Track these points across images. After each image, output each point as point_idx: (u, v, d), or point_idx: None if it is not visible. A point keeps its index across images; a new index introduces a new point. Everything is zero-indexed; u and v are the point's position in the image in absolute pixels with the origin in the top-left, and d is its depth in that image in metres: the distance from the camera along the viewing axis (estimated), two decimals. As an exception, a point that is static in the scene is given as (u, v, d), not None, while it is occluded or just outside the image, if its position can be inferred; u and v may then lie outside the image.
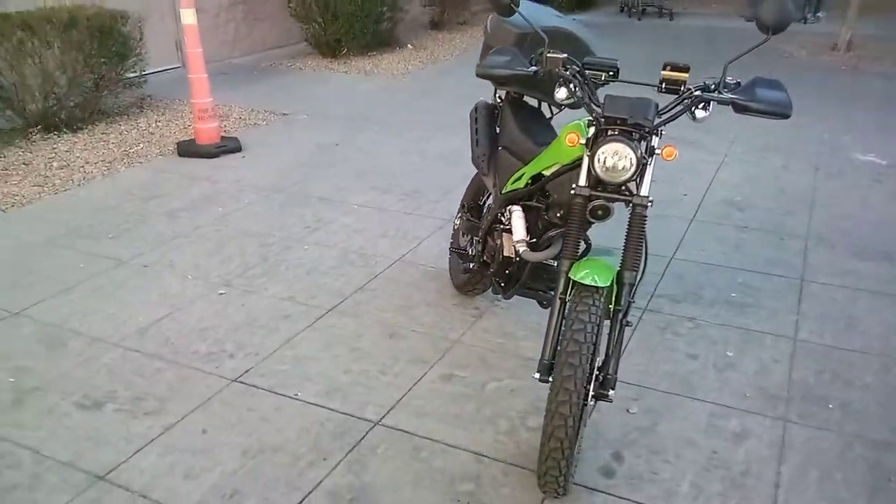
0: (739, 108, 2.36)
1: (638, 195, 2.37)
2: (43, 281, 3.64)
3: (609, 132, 2.33)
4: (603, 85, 2.54)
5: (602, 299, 2.12)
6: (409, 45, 9.94)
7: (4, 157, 5.38)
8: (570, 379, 1.99)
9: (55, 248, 4.01)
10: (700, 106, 2.40)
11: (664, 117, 2.42)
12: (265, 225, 4.34)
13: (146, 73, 6.70)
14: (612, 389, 2.30)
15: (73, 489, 2.32)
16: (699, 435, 2.62)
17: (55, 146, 5.66)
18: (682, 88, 2.44)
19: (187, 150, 5.56)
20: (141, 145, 5.80)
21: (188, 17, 5.36)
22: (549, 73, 2.49)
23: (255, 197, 4.79)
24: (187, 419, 2.66)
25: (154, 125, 6.33)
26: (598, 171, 2.33)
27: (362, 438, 2.57)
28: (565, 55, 2.48)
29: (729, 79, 2.45)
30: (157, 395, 2.80)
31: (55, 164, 5.30)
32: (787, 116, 2.29)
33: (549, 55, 2.49)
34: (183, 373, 2.92)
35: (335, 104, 7.08)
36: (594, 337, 2.04)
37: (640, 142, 2.34)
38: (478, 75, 2.66)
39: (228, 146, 5.64)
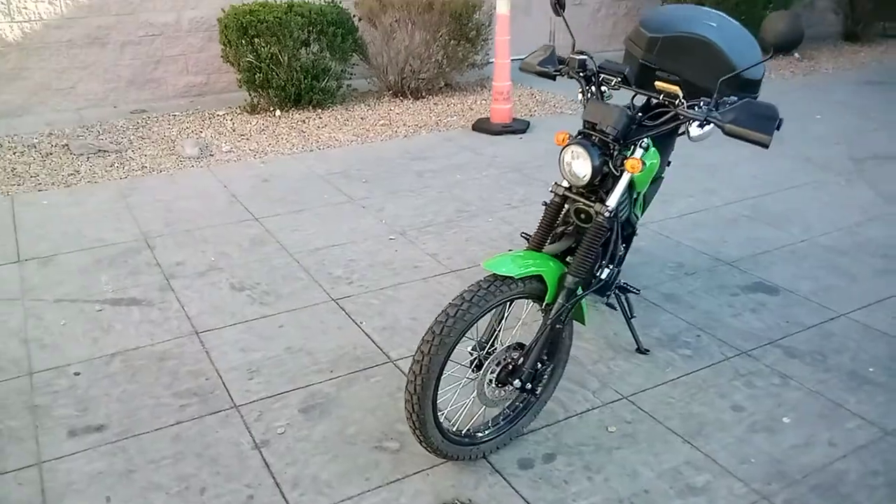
0: (723, 130, 2.20)
1: (600, 203, 2.37)
2: (292, 201, 4.78)
3: (578, 135, 2.39)
4: (615, 89, 2.52)
5: (501, 287, 2.24)
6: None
7: (349, 110, 6.82)
8: (426, 343, 2.20)
9: (321, 181, 5.14)
10: (696, 124, 2.28)
11: (650, 132, 2.35)
12: (475, 196, 4.88)
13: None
14: (522, 381, 2.38)
15: (172, 333, 3.29)
16: (651, 474, 2.48)
17: (390, 108, 6.95)
18: (677, 102, 2.34)
19: (479, 126, 6.32)
20: (452, 117, 6.75)
21: (502, 6, 6.05)
22: (568, 72, 2.57)
23: (494, 172, 5.33)
24: (280, 315, 3.43)
25: (474, 103, 7.24)
26: (562, 171, 2.41)
27: (372, 367, 3.04)
28: (584, 57, 2.53)
29: (729, 98, 2.27)
30: (279, 293, 3.63)
31: (381, 121, 6.55)
32: (763, 145, 2.08)
33: (570, 56, 2.57)
34: (309, 284, 3.71)
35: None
36: (468, 315, 2.19)
37: (606, 149, 2.34)
38: (520, 69, 2.85)
39: (514, 127, 6.23)
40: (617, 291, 3.01)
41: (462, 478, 2.46)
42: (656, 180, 3.05)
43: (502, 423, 2.57)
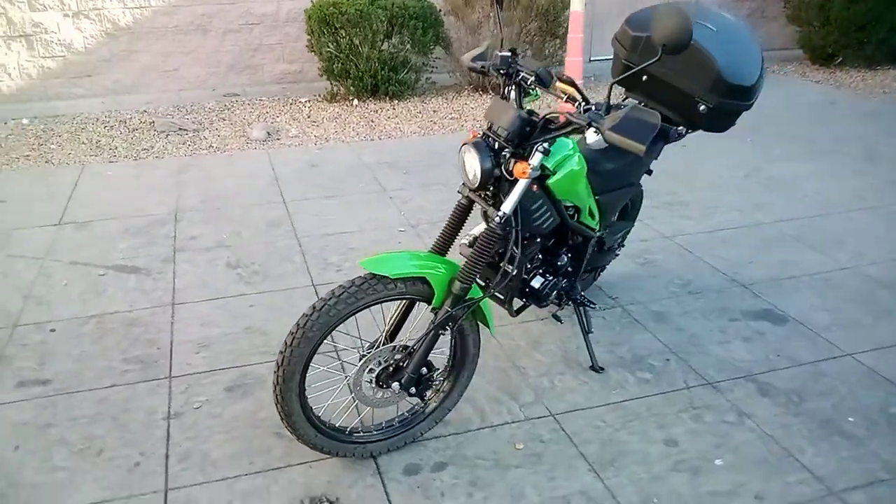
0: (603, 136, 2.02)
1: (494, 209, 2.25)
2: (328, 187, 4.87)
3: (479, 136, 2.27)
4: (532, 90, 2.36)
5: (376, 286, 2.17)
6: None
7: (424, 103, 6.84)
8: (290, 335, 2.17)
9: (365, 170, 5.20)
10: (592, 129, 2.10)
11: (550, 135, 2.19)
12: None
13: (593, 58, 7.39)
14: (402, 384, 2.31)
15: (152, 302, 3.45)
16: (536, 499, 2.33)
17: (466, 102, 6.89)
18: (575, 105, 2.18)
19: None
20: (525, 114, 6.59)
21: (576, 4, 5.84)
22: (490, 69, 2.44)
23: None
24: (257, 295, 3.51)
25: (554, 100, 7.01)
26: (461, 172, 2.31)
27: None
28: (507, 54, 2.40)
29: (626, 101, 2.08)
30: (267, 274, 3.73)
31: (452, 115, 6.52)
32: (637, 154, 1.89)
33: (494, 52, 2.44)
34: (300, 269, 3.77)
35: (774, 116, 6.54)
36: (333, 311, 2.14)
37: (501, 153, 2.22)
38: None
39: (581, 127, 5.99)
40: (573, 304, 2.85)
41: (342, 475, 2.41)
42: (619, 189, 2.81)
43: (397, 425, 2.49)
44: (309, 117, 6.47)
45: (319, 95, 7.04)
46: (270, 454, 2.49)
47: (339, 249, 3.95)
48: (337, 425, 2.40)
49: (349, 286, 2.17)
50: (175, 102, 6.88)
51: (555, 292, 2.69)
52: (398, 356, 2.32)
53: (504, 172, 2.22)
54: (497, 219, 2.24)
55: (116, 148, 5.69)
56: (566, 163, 2.33)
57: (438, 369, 2.42)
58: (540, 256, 2.65)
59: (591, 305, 2.92)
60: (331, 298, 2.15)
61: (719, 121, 2.79)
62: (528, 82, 2.32)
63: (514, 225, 2.27)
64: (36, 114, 6.52)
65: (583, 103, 2.14)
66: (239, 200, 4.65)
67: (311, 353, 2.18)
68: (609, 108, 2.09)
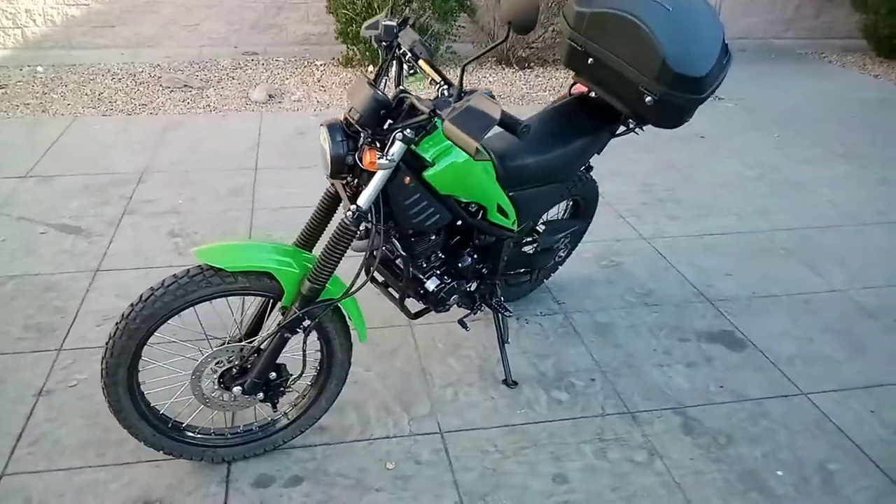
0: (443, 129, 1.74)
1: (350, 202, 1.98)
2: (305, 156, 4.66)
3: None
4: (411, 67, 2.06)
5: (212, 279, 1.95)
6: None
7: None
8: (115, 326, 1.97)
9: (350, 140, 4.95)
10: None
11: (404, 122, 1.91)
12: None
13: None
14: (245, 388, 2.09)
15: (77, 266, 3.33)
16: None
17: (486, 76, 6.54)
18: (438, 89, 1.88)
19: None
20: (546, 92, 6.21)
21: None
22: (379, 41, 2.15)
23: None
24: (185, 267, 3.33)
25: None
26: None
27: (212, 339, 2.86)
28: (392, 24, 2.10)
29: (485, 88, 1.79)
30: (204, 247, 3.54)
31: (470, 87, 6.18)
32: (467, 151, 1.61)
33: (381, 21, 2.15)
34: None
35: (812, 112, 6.00)
36: (159, 303, 1.93)
37: (358, 138, 1.95)
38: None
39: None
40: (488, 309, 2.58)
41: (187, 479, 2.22)
42: (542, 185, 2.49)
43: (256, 430, 2.28)
44: (319, 81, 6.25)
45: (336, 59, 6.80)
46: (122, 447, 2.31)
47: (288, 225, 3.74)
48: (182, 425, 2.20)
49: (181, 276, 1.95)
50: (193, 58, 6.77)
51: (454, 296, 2.40)
52: (246, 356, 2.09)
53: (358, 161, 1.94)
54: (349, 212, 1.97)
55: (115, 101, 5.61)
56: (448, 154, 2.03)
57: (292, 375, 2.18)
58: (440, 255, 2.37)
59: (506, 312, 2.62)
60: (159, 289, 1.94)
61: (667, 115, 2.43)
62: (406, 58, 2.02)
63: (373, 221, 1.99)
64: (54, 62, 6.51)
65: (444, 87, 1.84)
66: (210, 164, 4.49)
67: (138, 347, 1.98)
68: (461, 94, 1.79)
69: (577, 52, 2.53)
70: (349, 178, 2.01)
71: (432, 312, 2.45)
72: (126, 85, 5.99)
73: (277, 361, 2.14)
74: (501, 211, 2.36)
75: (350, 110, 1.93)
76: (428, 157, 2.02)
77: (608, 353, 2.84)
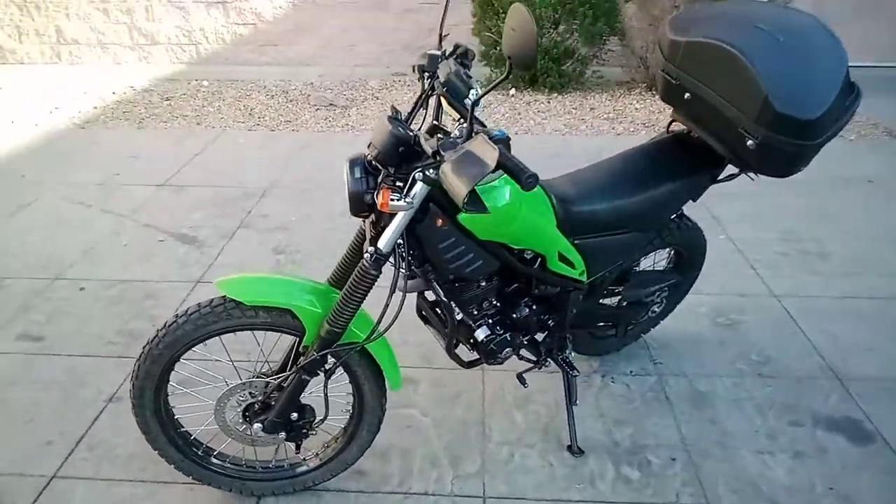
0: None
1: (371, 243, 1.86)
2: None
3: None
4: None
5: (232, 311, 1.89)
6: None
7: (585, 98, 6.25)
8: (141, 350, 1.95)
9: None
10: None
11: (425, 162, 1.76)
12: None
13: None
14: (265, 427, 2.02)
15: (181, 277, 3.45)
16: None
17: (630, 102, 6.17)
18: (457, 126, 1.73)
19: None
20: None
21: None
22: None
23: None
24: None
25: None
26: None
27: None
28: (437, 53, 1.95)
29: (496, 129, 1.61)
30: (307, 266, 3.57)
31: (608, 115, 5.89)
32: (456, 199, 1.45)
33: (427, 51, 2.00)
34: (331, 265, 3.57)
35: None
36: (181, 331, 1.89)
37: (378, 175, 1.82)
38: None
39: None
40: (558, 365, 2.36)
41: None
42: (617, 233, 2.21)
43: (287, 467, 2.19)
44: (459, 104, 6.18)
45: (478, 81, 6.71)
46: (162, 465, 2.27)
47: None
48: (213, 453, 2.15)
49: (204, 306, 1.90)
50: (345, 77, 6.97)
51: (507, 349, 2.18)
52: (269, 393, 2.00)
53: (374, 199, 1.79)
54: (366, 254, 1.82)
55: (263, 117, 5.86)
56: (486, 196, 1.83)
57: (318, 417, 2.06)
58: (495, 303, 2.16)
59: (573, 372, 2.36)
60: (182, 316, 1.90)
61: (773, 161, 2.08)
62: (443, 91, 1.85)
63: (396, 265, 1.83)
64: (219, 77, 6.95)
65: (463, 125, 1.65)
66: (333, 183, 4.52)
67: (163, 371, 1.95)
68: (471, 134, 1.59)
69: (672, 85, 2.24)
70: (373, 217, 1.87)
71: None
72: (277, 101, 6.25)
73: (304, 402, 2.03)
74: (565, 260, 2.11)
75: (369, 145, 1.79)
76: (464, 197, 1.83)
77: (700, 428, 2.48)
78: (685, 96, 2.19)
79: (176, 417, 2.10)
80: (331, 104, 6.21)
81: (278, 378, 1.97)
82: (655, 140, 2.43)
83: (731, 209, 3.99)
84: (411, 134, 1.74)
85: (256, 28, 7.37)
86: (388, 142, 1.73)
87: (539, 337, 2.32)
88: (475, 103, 1.62)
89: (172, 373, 1.98)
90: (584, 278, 2.20)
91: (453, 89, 1.82)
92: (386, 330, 1.89)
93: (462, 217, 1.83)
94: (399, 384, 2.05)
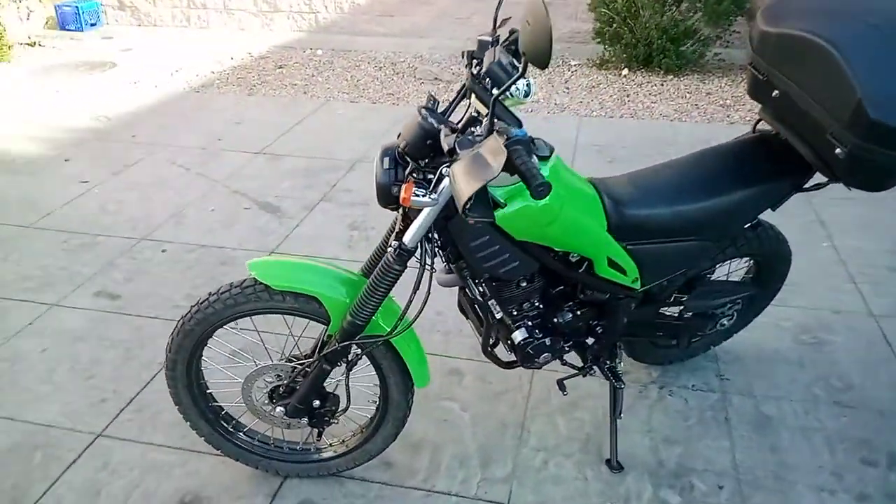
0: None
1: (397, 237, 1.80)
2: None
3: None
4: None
5: (260, 294, 1.89)
6: None
7: (703, 83, 5.86)
8: (176, 324, 1.99)
9: (569, 148, 4.65)
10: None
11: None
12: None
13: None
14: (287, 411, 2.02)
15: (256, 245, 3.53)
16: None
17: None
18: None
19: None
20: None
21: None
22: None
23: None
24: (357, 263, 3.40)
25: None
26: None
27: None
28: (487, 38, 1.84)
29: (515, 129, 1.50)
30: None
31: (723, 101, 5.51)
32: (457, 204, 1.38)
33: (478, 37, 1.89)
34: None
35: None
36: (211, 309, 1.91)
37: (407, 167, 1.76)
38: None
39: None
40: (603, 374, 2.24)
41: (240, 485, 2.22)
42: (678, 241, 2.03)
43: (312, 451, 2.20)
44: (566, 83, 5.98)
45: (591, 60, 6.46)
46: (200, 434, 2.36)
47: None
48: (244, 429, 2.18)
49: (236, 286, 1.90)
50: (455, 51, 6.88)
51: (545, 355, 2.07)
52: (293, 377, 1.99)
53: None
54: (390, 248, 1.75)
55: (367, 89, 5.90)
56: (523, 195, 1.71)
57: (342, 407, 2.03)
58: (537, 305, 2.05)
59: (619, 384, 2.21)
60: (212, 296, 1.91)
61: (863, 174, 1.84)
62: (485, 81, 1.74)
63: (422, 260, 1.76)
64: (334, 46, 7.05)
65: (491, 122, 1.53)
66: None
67: (195, 346, 1.98)
68: (491, 131, 1.48)
69: (759, 81, 2.03)
70: (402, 210, 1.79)
71: None
72: (384, 73, 6.27)
73: (329, 391, 2.01)
74: (615, 265, 1.96)
75: (398, 136, 1.71)
76: (498, 195, 1.72)
77: (757, 456, 2.27)
78: (773, 94, 1.98)
79: (209, 391, 2.13)
80: (436, 78, 6.16)
81: (303, 364, 1.95)
82: (738, 139, 2.21)
83: (842, 213, 3.63)
84: (440, 126, 1.64)
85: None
86: (416, 134, 1.65)
87: (587, 341, 2.18)
88: (496, 99, 1.50)
89: (206, 348, 2.01)
90: (636, 286, 2.04)
91: (496, 80, 1.70)
92: (409, 326, 1.83)
93: (497, 215, 1.72)
94: (424, 381, 1.99)
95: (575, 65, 6.40)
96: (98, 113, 5.32)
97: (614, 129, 5.00)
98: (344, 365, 1.93)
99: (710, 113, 5.27)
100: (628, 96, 5.63)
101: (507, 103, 1.79)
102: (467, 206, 1.34)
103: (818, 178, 2.03)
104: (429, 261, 1.76)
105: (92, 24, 7.74)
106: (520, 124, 1.59)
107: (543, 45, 1.35)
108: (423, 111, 1.65)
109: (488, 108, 1.54)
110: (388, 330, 1.84)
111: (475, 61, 1.81)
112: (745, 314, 2.54)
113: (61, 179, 4.22)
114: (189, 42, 7.31)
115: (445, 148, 1.56)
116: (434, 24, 7.37)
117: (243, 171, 4.34)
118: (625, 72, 6.10)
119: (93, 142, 4.81)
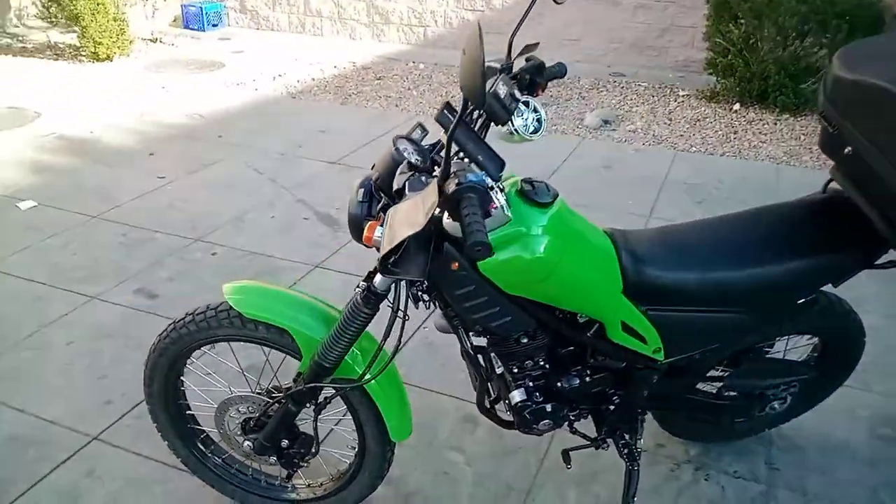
0: None
1: (366, 278, 1.65)
2: (590, 194, 4.17)
3: None
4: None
5: (233, 320, 1.76)
6: None
7: (789, 120, 5.35)
8: (151, 347, 1.90)
9: (658, 184, 4.31)
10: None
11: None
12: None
13: None
14: (253, 446, 1.90)
15: (301, 257, 3.45)
16: None
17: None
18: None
19: None
20: None
21: None
22: None
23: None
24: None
25: None
26: None
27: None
28: (493, 68, 1.67)
29: (471, 175, 1.32)
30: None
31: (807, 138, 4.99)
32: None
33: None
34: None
35: None
36: (185, 330, 1.81)
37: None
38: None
39: None
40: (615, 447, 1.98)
41: (215, 512, 2.09)
42: (712, 310, 1.74)
43: (289, 489, 2.05)
44: (669, 113, 5.63)
45: (701, 91, 6.05)
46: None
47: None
48: (223, 456, 2.06)
49: (210, 309, 1.78)
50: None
51: (545, 422, 1.83)
52: (264, 411, 1.85)
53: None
54: (358, 289, 1.58)
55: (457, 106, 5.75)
56: (515, 243, 1.50)
57: (311, 452, 1.87)
58: (542, 364, 1.81)
59: (633, 465, 1.93)
60: (188, 316, 1.81)
61: None
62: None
63: (394, 305, 1.57)
64: (437, 60, 6.99)
65: (446, 162, 1.33)
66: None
67: (170, 367, 1.88)
68: (447, 174, 1.28)
69: (830, 134, 1.72)
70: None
71: None
72: (480, 90, 6.10)
73: (302, 430, 1.86)
74: (631, 331, 1.70)
75: (372, 166, 1.53)
76: (491, 239, 1.51)
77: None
78: (845, 150, 1.67)
79: (189, 413, 2.02)
80: (528, 101, 5.94)
81: (273, 399, 1.80)
82: (803, 199, 1.90)
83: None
84: (406, 161, 1.46)
85: (483, 15, 7.28)
86: (388, 166, 1.48)
87: (610, 406, 1.92)
88: (452, 135, 1.29)
89: (186, 368, 1.90)
90: (659, 357, 1.77)
91: (489, 113, 1.51)
92: (380, 372, 1.64)
93: (481, 265, 1.52)
94: (403, 435, 1.80)
95: (683, 95, 6.01)
96: (194, 111, 5.46)
97: (712, 167, 4.62)
98: (313, 406, 1.76)
99: (823, 159, 4.76)
100: (735, 133, 5.21)
101: (513, 140, 1.60)
102: (389, 262, 1.14)
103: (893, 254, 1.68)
104: (401, 306, 1.56)
105: (214, 25, 8.04)
106: (500, 166, 1.38)
107: (473, 81, 1.14)
108: (399, 141, 1.47)
109: (455, 143, 1.34)
110: (359, 375, 1.66)
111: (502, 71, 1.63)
112: (808, 397, 2.19)
113: (140, 173, 4.32)
114: (300, 48, 7.44)
115: (395, 186, 1.38)
116: (541, 45, 7.14)
117: (314, 181, 4.29)
118: (736, 106, 5.67)
119: (181, 139, 4.92)
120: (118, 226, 3.70)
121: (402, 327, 1.56)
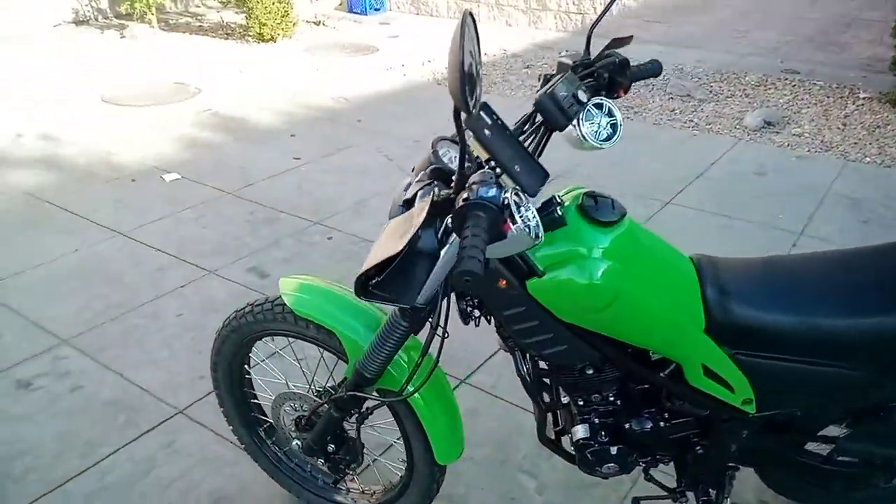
0: None
1: None
2: (737, 206, 3.81)
3: None
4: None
5: (287, 316, 1.72)
6: None
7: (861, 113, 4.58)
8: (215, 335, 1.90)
9: (815, 197, 3.86)
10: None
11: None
12: None
13: None
14: (302, 446, 1.86)
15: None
16: None
17: None
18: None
19: None
20: None
21: None
22: None
23: None
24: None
25: None
26: None
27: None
28: (565, 63, 1.51)
29: (484, 189, 1.18)
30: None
31: None
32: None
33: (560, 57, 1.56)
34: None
35: None
36: (244, 320, 1.78)
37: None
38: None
39: None
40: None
41: (273, 504, 2.08)
42: (818, 363, 1.47)
43: (344, 491, 2.00)
44: (845, 117, 5.04)
45: (886, 95, 5.36)
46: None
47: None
48: (286, 448, 2.04)
49: (266, 303, 1.75)
50: (722, 66, 6.17)
51: (608, 465, 1.64)
52: (315, 411, 1.80)
53: None
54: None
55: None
56: (569, 264, 1.33)
57: (357, 460, 1.79)
58: (612, 399, 1.63)
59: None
60: (247, 307, 1.79)
61: None
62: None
63: (433, 322, 1.45)
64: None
65: (461, 170, 1.18)
66: (629, 188, 4.04)
67: (233, 354, 1.87)
68: (462, 185, 1.13)
69: None
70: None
71: None
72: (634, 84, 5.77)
73: (351, 436, 1.79)
74: (714, 376, 1.48)
75: (413, 170, 1.40)
76: (537, 259, 1.35)
77: None
78: None
79: (255, 401, 2.02)
80: (688, 94, 5.55)
81: (319, 402, 1.74)
82: None
83: None
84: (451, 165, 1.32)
85: (646, 3, 6.90)
86: (425, 169, 1.35)
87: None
88: (464, 142, 1.14)
89: (250, 357, 1.89)
90: (749, 409, 1.52)
91: (546, 116, 1.35)
92: (420, 387, 1.53)
93: (530, 285, 1.36)
94: (450, 458, 1.67)
95: (864, 98, 5.36)
96: (339, 94, 5.57)
97: (886, 182, 4.06)
98: (356, 415, 1.68)
99: None
100: (883, 136, 4.57)
101: (584, 147, 1.42)
102: (371, 285, 1.01)
103: None
104: (441, 323, 1.43)
105: (376, 10, 8.20)
106: (541, 179, 1.21)
107: (453, 84, 0.98)
108: (440, 143, 1.33)
109: (486, 150, 1.18)
110: (399, 389, 1.55)
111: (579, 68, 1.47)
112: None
113: (278, 153, 4.46)
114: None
115: (406, 195, 1.24)
116: (708, 35, 6.66)
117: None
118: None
119: (322, 121, 5.03)
120: (249, 203, 3.82)
121: (441, 346, 1.43)
